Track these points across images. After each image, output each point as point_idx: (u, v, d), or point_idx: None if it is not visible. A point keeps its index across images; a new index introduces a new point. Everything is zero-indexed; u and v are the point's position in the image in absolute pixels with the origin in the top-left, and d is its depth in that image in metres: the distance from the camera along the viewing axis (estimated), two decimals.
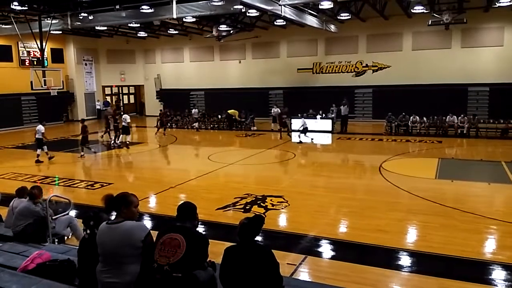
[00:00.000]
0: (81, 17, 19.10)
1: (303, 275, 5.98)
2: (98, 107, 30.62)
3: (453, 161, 14.58)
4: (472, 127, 19.06)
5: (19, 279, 3.67)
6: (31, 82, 20.34)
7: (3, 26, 21.70)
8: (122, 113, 20.68)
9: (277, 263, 3.62)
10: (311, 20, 20.10)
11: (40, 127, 14.92)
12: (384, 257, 6.52)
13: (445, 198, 9.56)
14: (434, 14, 19.48)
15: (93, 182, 11.91)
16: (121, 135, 18.13)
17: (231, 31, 24.58)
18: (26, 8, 18.22)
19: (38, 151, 14.91)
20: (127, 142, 17.98)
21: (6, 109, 24.86)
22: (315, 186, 11.36)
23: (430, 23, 19.92)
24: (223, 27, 23.66)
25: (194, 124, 23.85)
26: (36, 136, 15.00)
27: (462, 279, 5.73)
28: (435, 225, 7.78)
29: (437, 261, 6.34)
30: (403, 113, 20.48)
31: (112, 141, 18.30)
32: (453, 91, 22.42)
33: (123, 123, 18.02)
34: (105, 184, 11.49)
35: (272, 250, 3.69)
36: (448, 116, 19.62)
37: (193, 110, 24.98)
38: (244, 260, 3.53)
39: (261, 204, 9.25)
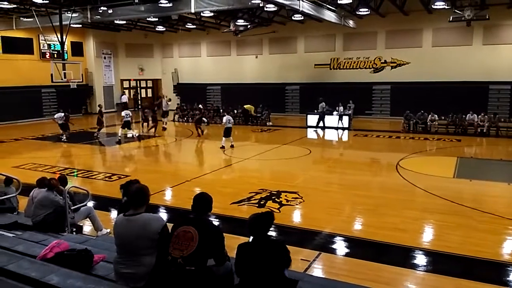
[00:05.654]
0: (100, 11, 19.30)
1: (317, 271, 5.97)
2: (124, 100, 31.05)
3: (472, 160, 14.31)
4: (492, 126, 18.68)
5: (38, 266, 3.75)
6: (51, 75, 20.68)
7: (24, 19, 22.04)
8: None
9: (287, 251, 3.60)
10: (329, 15, 19.90)
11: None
12: (399, 256, 6.47)
13: (463, 198, 9.42)
14: (456, 10, 19.07)
15: (110, 174, 12.08)
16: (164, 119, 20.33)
17: (249, 26, 24.53)
18: (47, 1, 18.50)
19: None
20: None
21: (27, 101, 25.34)
22: (330, 182, 11.30)
23: (451, 19, 19.51)
24: (240, 22, 23.63)
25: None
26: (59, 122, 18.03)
27: (479, 279, 5.65)
28: (452, 225, 7.67)
29: (453, 261, 6.26)
30: (422, 111, 20.20)
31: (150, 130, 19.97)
32: (473, 89, 21.97)
33: (164, 108, 20.20)
34: (122, 176, 11.63)
35: (286, 246, 3.68)
36: (468, 115, 19.28)
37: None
38: (257, 255, 3.53)
39: (276, 199, 9.25)
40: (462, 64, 22.33)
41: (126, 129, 18.17)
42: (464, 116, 19.41)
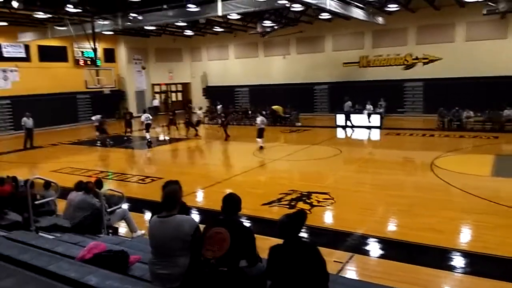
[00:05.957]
0: (131, 18, 19.78)
1: (351, 273, 5.90)
2: (155, 104, 31.86)
3: (510, 158, 13.78)
4: None
5: (78, 267, 3.86)
6: (86, 81, 21.32)
7: (59, 28, 22.83)
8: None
9: (323, 260, 3.58)
10: (357, 13, 19.60)
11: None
12: (435, 257, 6.30)
13: (501, 197, 9.09)
14: (489, 3, 18.41)
15: (144, 177, 12.34)
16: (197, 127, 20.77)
17: (275, 27, 24.52)
18: (80, 10, 19.09)
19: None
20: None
21: (63, 107, 26.22)
22: (362, 182, 11.13)
23: (485, 12, 18.85)
24: (267, 23, 23.64)
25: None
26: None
27: None
28: (490, 225, 7.41)
29: (492, 262, 6.05)
30: (456, 108, 19.60)
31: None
32: (509, 84, 21.10)
33: (197, 118, 21.50)
34: (155, 179, 11.87)
35: (318, 247, 3.66)
36: (505, 110, 18.56)
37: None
38: (289, 257, 3.51)
39: (306, 200, 9.20)
40: (497, 58, 21.53)
41: (147, 132, 18.82)
42: (501, 112, 18.71)
